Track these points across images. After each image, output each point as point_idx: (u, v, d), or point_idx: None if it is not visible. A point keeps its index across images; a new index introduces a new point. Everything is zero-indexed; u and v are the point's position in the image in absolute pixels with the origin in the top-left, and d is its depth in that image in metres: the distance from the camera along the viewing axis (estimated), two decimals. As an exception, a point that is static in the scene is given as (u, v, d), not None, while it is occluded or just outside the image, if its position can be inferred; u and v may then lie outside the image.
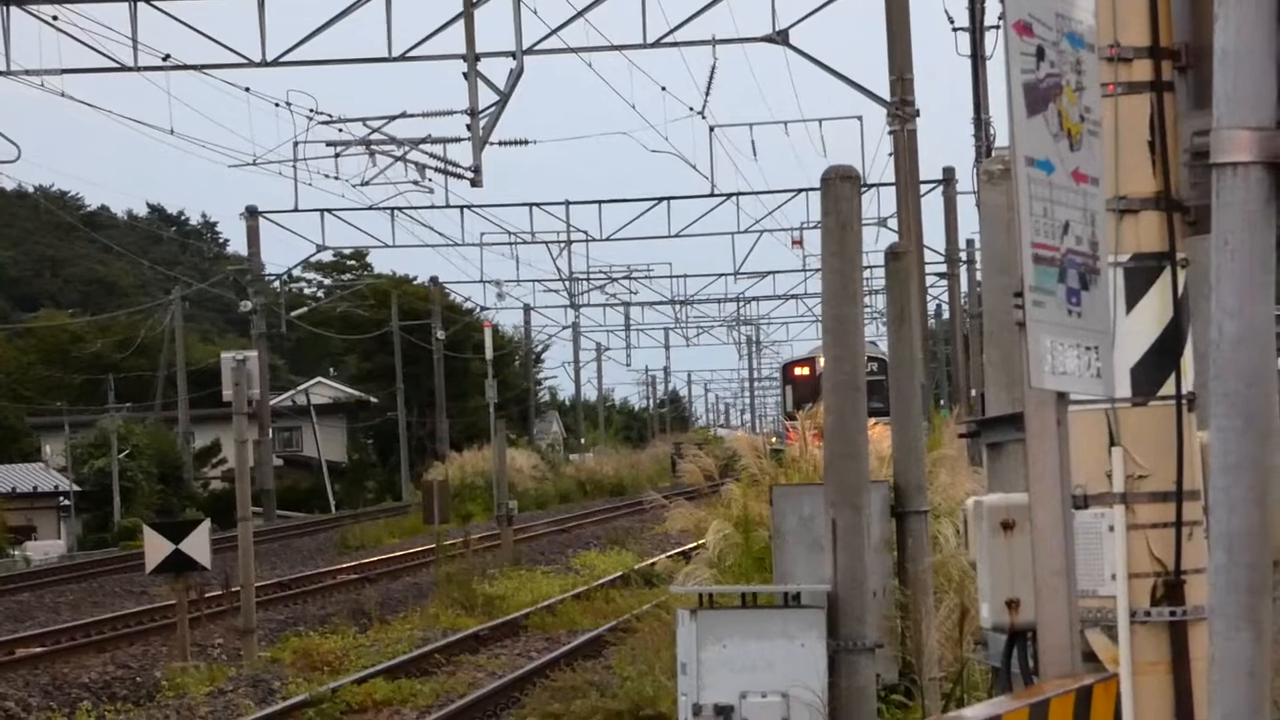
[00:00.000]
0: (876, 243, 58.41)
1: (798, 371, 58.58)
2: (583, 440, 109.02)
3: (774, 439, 39.88)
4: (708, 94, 43.44)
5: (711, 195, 55.97)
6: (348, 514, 69.87)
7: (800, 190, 59.89)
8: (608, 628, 24.43)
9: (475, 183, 36.83)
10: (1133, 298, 6.34)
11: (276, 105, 39.88)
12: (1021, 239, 5.51)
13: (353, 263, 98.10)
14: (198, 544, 24.57)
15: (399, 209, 57.47)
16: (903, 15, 34.79)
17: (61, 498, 66.15)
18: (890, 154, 36.32)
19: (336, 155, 41.09)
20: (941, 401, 56.65)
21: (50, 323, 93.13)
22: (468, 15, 35.37)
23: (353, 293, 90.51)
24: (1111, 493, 6.31)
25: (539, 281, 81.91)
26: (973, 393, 44.83)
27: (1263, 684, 4.41)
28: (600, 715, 16.32)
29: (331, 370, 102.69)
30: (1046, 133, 5.62)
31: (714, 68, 42.08)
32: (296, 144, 41.78)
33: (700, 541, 20.82)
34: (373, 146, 39.97)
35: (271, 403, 73.07)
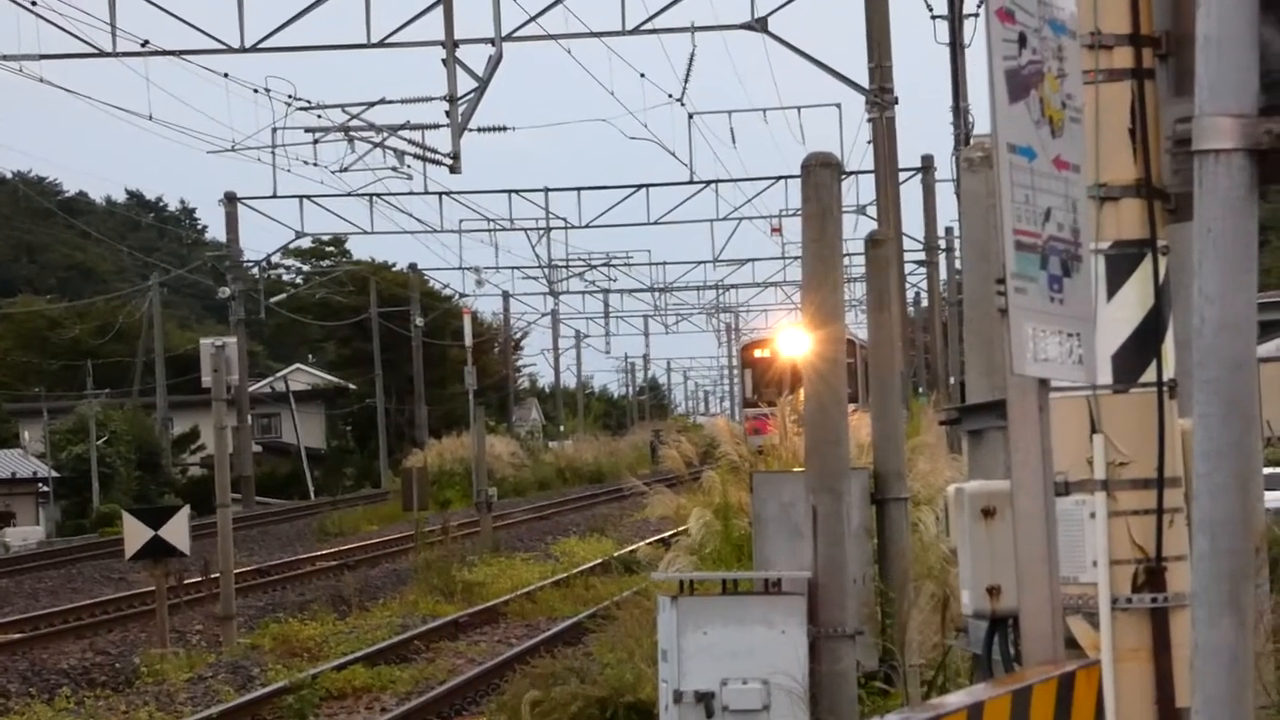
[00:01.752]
0: (855, 230, 58.35)
1: (758, 354, 54.65)
2: (562, 427, 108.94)
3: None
4: (686, 81, 43.41)
5: (690, 183, 56.00)
6: (326, 500, 69.71)
7: (779, 178, 59.92)
8: (587, 614, 24.39)
9: (454, 169, 36.84)
10: (1114, 285, 6.34)
11: (255, 91, 39.81)
12: (1003, 226, 5.51)
13: (331, 249, 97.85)
14: (177, 530, 24.53)
15: (378, 195, 57.41)
16: (882, 3, 34.82)
17: (40, 484, 65.98)
18: (869, 141, 36.41)
19: (315, 141, 41.10)
20: (920, 389, 56.60)
21: (28, 308, 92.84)
22: (446, 1, 35.35)
23: (331, 279, 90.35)
24: (1093, 480, 6.31)
25: (518, 268, 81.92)
26: (951, 380, 44.89)
27: (1245, 670, 4.42)
28: (580, 701, 16.28)
29: (310, 357, 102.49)
30: (1028, 119, 5.61)
31: (693, 55, 42.06)
32: (275, 130, 41.72)
33: (680, 529, 20.83)
34: (351, 133, 39.94)
35: (250, 389, 72.97)
